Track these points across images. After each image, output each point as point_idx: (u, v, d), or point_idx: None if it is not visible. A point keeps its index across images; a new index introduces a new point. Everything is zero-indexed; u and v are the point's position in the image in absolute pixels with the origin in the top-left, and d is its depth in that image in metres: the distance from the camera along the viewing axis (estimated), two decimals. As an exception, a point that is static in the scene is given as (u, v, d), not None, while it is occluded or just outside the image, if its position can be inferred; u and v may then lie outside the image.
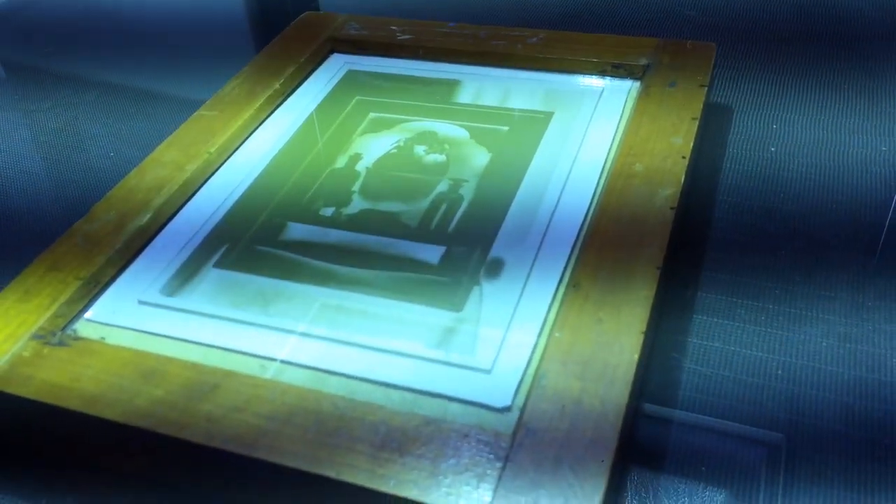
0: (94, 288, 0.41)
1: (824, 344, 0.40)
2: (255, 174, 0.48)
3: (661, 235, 0.40)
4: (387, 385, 0.35)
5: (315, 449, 0.31)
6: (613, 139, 0.48)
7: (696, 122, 0.47)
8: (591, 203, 0.43)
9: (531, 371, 0.35)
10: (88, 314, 0.40)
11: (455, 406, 0.34)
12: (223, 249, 0.43)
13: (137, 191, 0.46)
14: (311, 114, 0.53)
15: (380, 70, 0.57)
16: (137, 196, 0.45)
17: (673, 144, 0.45)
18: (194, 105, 0.53)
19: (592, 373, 0.33)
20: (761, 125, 0.55)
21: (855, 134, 0.53)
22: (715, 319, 0.42)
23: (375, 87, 0.55)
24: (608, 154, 0.47)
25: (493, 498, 0.29)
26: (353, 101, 0.54)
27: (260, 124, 0.52)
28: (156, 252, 0.43)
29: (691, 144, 0.45)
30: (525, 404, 0.33)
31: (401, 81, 0.56)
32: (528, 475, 0.30)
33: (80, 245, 0.42)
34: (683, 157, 0.44)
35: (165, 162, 0.48)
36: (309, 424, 0.32)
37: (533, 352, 0.36)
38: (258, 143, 0.51)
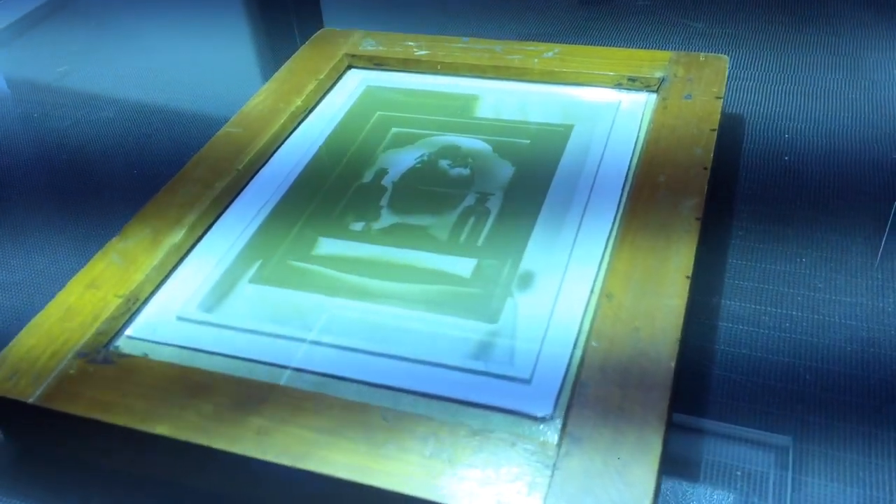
0: (134, 305, 0.41)
1: (849, 349, 0.41)
2: (284, 190, 0.49)
3: (688, 244, 0.41)
4: (429, 396, 0.36)
5: (367, 460, 0.32)
6: (634, 151, 0.49)
7: (715, 133, 0.48)
8: (616, 213, 0.44)
9: (570, 380, 0.36)
10: (129, 331, 0.40)
11: (497, 416, 0.35)
12: (257, 265, 0.44)
13: (169, 207, 0.46)
14: (335, 129, 0.54)
15: (399, 86, 0.58)
16: (169, 213, 0.46)
17: (694, 155, 0.46)
18: (212, 122, 0.53)
19: (632, 380, 0.34)
20: (773, 135, 0.56)
21: (865, 143, 0.55)
22: (741, 327, 0.43)
23: (396, 102, 0.56)
24: (630, 165, 0.48)
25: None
26: (375, 116, 0.55)
27: (284, 141, 0.53)
28: (191, 268, 0.44)
29: (711, 155, 0.46)
30: (568, 412, 0.34)
31: (420, 97, 0.57)
32: (578, 482, 0.30)
33: (116, 263, 0.43)
34: (705, 168, 0.45)
35: (195, 179, 0.48)
36: (358, 436, 0.33)
37: (570, 361, 0.37)
38: (285, 159, 0.51)
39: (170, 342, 0.40)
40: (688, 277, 0.39)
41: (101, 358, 0.38)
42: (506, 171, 0.49)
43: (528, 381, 0.36)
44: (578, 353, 0.37)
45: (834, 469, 0.36)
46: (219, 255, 0.44)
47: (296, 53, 0.61)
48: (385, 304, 0.41)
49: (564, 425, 0.33)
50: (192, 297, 0.42)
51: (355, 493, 0.32)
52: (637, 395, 0.34)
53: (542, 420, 0.34)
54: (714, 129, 0.48)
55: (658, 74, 0.54)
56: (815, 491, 0.35)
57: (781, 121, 0.58)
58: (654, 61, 0.56)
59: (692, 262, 0.40)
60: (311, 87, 0.57)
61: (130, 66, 0.73)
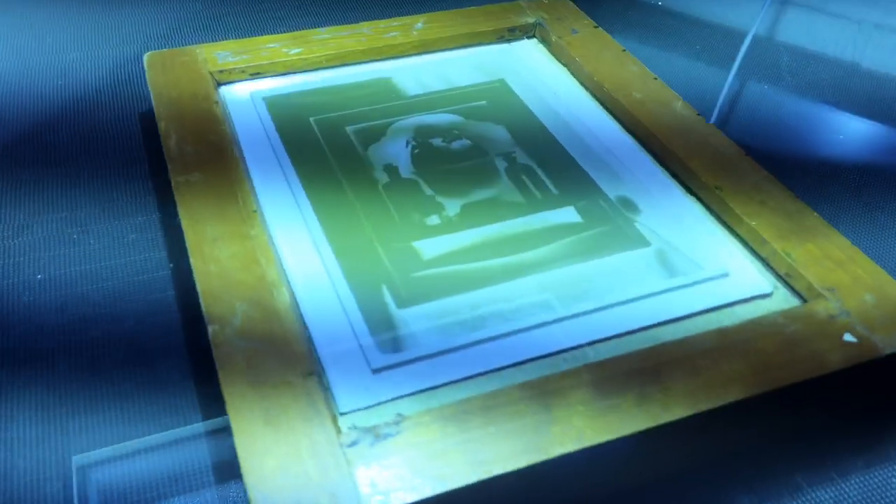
0: (320, 378, 0.34)
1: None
2: (311, 214, 0.43)
3: (720, 137, 0.47)
4: (668, 322, 0.37)
5: (757, 377, 0.33)
6: (579, 82, 0.53)
7: (629, 53, 0.55)
8: (630, 133, 0.49)
9: (756, 261, 0.40)
10: (343, 406, 0.33)
11: (737, 309, 0.38)
12: (384, 291, 0.39)
13: (234, 288, 0.38)
14: (286, 146, 0.48)
15: (295, 90, 0.53)
16: (244, 292, 0.37)
17: (635, 73, 0.53)
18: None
19: (815, 243, 0.40)
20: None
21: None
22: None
23: (312, 105, 0.51)
24: (590, 94, 0.52)
25: (884, 346, 0.35)
26: (312, 121, 0.50)
27: (247, 170, 0.46)
28: (322, 325, 0.37)
29: (646, 69, 0.53)
30: (791, 279, 0.39)
31: (331, 93, 0.53)
32: (878, 325, 0.36)
33: (245, 346, 0.34)
34: (656, 79, 0.52)
35: (217, 257, 0.40)
36: (694, 371, 0.34)
37: (736, 244, 0.41)
38: (271, 186, 0.44)
39: (401, 393, 0.34)
40: (753, 159, 0.45)
41: (375, 435, 0.31)
42: (499, 131, 0.50)
43: (726, 275, 0.40)
44: (736, 239, 0.42)
45: None
46: (336, 304, 0.38)
47: (151, 82, 0.51)
48: (539, 272, 0.40)
49: (808, 285, 0.38)
50: (365, 348, 0.36)
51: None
52: (840, 256, 0.39)
53: (769, 295, 0.39)
54: (625, 50, 0.55)
55: (530, 21, 0.59)
56: None
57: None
58: (512, 11, 0.60)
59: (740, 147, 0.46)
60: (218, 112, 0.49)
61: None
